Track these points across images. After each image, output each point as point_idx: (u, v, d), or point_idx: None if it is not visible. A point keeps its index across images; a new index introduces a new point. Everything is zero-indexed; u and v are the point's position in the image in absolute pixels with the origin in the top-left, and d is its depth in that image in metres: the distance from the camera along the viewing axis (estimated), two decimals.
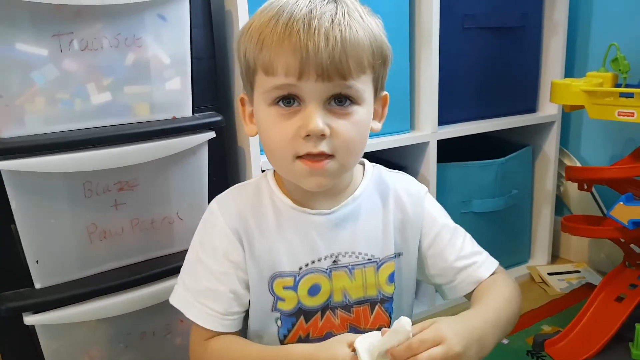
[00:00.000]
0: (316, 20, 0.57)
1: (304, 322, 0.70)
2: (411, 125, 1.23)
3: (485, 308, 0.67)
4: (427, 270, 0.76)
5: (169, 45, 0.90)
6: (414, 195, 0.75)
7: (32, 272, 0.86)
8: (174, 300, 0.71)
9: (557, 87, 1.09)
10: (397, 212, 0.73)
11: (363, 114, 0.63)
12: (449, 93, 1.24)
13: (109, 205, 0.90)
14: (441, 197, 1.26)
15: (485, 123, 1.32)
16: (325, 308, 0.70)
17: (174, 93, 0.93)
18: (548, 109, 1.42)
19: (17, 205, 0.81)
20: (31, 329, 0.86)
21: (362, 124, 0.63)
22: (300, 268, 0.69)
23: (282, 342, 0.70)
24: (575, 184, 1.21)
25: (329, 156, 0.61)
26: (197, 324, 0.69)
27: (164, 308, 0.83)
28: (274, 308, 0.69)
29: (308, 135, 0.59)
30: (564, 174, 1.43)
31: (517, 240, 1.51)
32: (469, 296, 0.74)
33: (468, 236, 0.77)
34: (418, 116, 1.23)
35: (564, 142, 1.50)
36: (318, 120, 0.59)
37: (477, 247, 0.76)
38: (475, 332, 0.61)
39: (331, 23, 0.58)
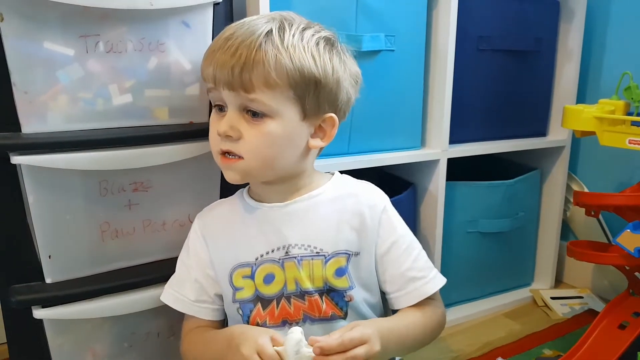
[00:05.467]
0: (234, 38, 0.69)
1: (261, 309, 0.78)
2: (422, 143, 1.25)
3: (404, 327, 0.77)
4: (379, 276, 0.82)
5: (190, 52, 0.92)
6: (373, 205, 0.81)
7: (44, 267, 0.87)
8: (161, 296, 0.85)
9: (569, 113, 1.10)
10: (356, 217, 0.79)
11: (275, 127, 0.72)
12: (461, 113, 1.25)
13: (123, 205, 0.91)
14: (448, 215, 1.27)
15: (495, 144, 1.33)
16: (280, 297, 0.78)
17: (193, 99, 0.95)
18: (558, 134, 1.44)
19: (34, 200, 0.83)
20: (39, 323, 0.87)
21: (272, 136, 0.72)
22: (257, 258, 0.78)
23: None
24: (582, 210, 1.22)
25: (240, 157, 0.73)
26: (185, 315, 0.83)
27: (170, 310, 0.85)
28: (234, 299, 0.80)
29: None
30: (571, 199, 1.44)
31: (521, 263, 1.51)
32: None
33: (423, 252, 0.84)
34: (429, 134, 1.25)
35: (573, 167, 1.50)
36: (224, 123, 0.72)
37: (429, 263, 0.84)
38: (391, 337, 0.72)
39: (244, 42, 0.69)
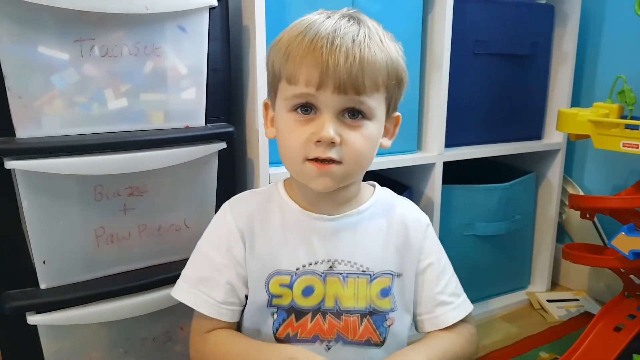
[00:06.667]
0: (339, 39, 0.64)
1: (294, 320, 0.75)
2: (418, 146, 1.25)
3: (442, 352, 0.75)
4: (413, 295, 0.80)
5: (186, 56, 0.92)
6: (419, 222, 0.81)
7: (38, 272, 0.86)
8: (174, 293, 0.76)
9: (563, 116, 1.10)
10: (400, 235, 0.78)
11: (373, 128, 0.69)
12: (457, 116, 1.25)
13: (118, 210, 0.91)
14: (445, 219, 1.27)
15: (491, 147, 1.33)
16: (316, 311, 0.75)
17: (189, 103, 0.94)
18: (553, 137, 1.44)
19: (28, 205, 0.82)
20: (33, 329, 0.86)
21: (371, 138, 0.69)
22: (298, 268, 0.74)
23: (275, 335, 0.75)
24: (578, 212, 1.22)
25: (337, 162, 0.67)
26: (198, 314, 0.74)
27: (166, 315, 0.84)
28: (270, 304, 0.74)
29: (319, 141, 0.66)
30: (566, 202, 1.45)
31: (518, 266, 1.51)
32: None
33: (454, 276, 0.83)
34: (425, 137, 1.25)
35: (568, 170, 1.51)
36: (330, 128, 0.65)
37: (459, 289, 0.82)
38: None
39: (352, 43, 0.65)
